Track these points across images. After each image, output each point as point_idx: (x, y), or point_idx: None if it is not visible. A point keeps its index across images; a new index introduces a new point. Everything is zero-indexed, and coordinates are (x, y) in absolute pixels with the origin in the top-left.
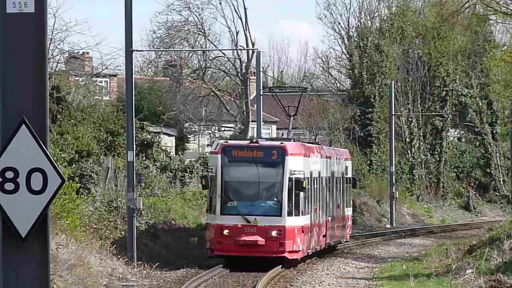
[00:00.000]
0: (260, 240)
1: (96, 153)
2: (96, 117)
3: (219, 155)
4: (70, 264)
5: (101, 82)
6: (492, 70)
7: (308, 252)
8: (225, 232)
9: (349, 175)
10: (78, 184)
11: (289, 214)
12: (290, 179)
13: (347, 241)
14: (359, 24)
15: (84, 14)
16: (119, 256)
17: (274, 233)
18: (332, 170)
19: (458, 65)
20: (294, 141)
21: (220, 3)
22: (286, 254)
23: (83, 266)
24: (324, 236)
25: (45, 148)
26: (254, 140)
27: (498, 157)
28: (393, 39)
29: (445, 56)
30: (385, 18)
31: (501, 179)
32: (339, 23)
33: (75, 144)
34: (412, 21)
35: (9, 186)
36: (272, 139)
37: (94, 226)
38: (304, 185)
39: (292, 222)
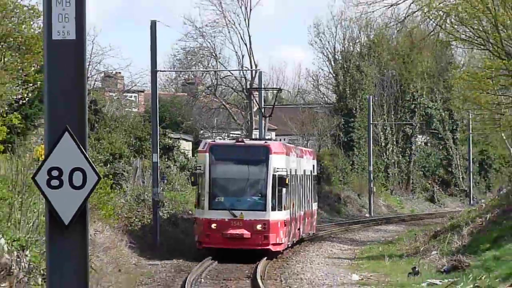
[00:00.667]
0: (246, 233)
1: (127, 155)
2: (127, 126)
3: (207, 154)
4: (105, 247)
5: (131, 97)
6: (453, 87)
7: (288, 245)
8: (213, 226)
9: (315, 173)
10: (112, 181)
11: (273, 209)
12: (273, 176)
13: (313, 233)
14: (343, 49)
15: (117, 41)
16: (146, 240)
17: (259, 226)
18: (304, 168)
19: (424, 82)
20: (274, 140)
21: (229, 32)
22: (270, 247)
23: (116, 249)
24: (299, 229)
25: (84, 151)
26: (240, 140)
27: (458, 159)
28: (371, 62)
29: (414, 75)
30: (364, 45)
31: (461, 176)
32: (327, 48)
33: (109, 148)
34: (387, 46)
35: (54, 182)
36: (256, 139)
37: (125, 216)
38: (286, 182)
39: (275, 216)
